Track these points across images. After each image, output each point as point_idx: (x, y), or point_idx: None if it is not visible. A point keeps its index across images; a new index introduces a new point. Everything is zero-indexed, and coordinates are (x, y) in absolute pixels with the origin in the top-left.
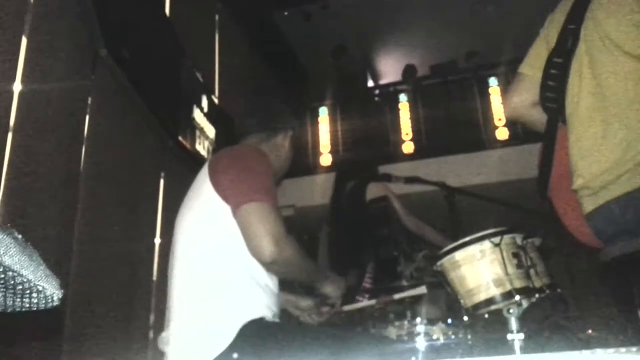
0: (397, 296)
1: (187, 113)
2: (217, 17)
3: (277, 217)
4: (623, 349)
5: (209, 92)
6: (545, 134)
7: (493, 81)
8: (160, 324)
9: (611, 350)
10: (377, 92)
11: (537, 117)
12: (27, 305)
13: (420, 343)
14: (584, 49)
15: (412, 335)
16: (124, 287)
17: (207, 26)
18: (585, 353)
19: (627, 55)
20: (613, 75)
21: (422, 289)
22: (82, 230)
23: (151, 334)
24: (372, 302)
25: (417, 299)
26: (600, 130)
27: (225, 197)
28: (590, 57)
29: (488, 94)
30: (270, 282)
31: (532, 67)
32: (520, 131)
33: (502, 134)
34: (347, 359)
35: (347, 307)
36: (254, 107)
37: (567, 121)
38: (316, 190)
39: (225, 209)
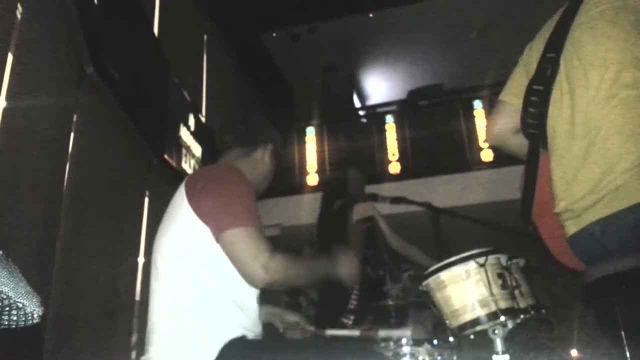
0: (381, 333)
1: (173, 131)
2: (205, 37)
3: (262, 240)
4: None
5: (196, 111)
6: (527, 160)
7: (478, 104)
8: (142, 345)
9: None
10: (363, 113)
11: (519, 144)
12: (6, 323)
13: None
14: (564, 75)
15: (398, 356)
16: (106, 307)
17: (196, 45)
18: None
19: (606, 82)
20: (593, 101)
21: (406, 331)
22: (64, 249)
23: (133, 355)
24: (356, 332)
25: (403, 320)
26: (580, 155)
27: (206, 221)
28: (570, 83)
29: (473, 117)
30: (250, 303)
31: (513, 95)
32: (504, 153)
33: (486, 155)
34: None
35: (329, 332)
36: (232, 123)
37: (549, 146)
38: (303, 210)
39: (205, 231)
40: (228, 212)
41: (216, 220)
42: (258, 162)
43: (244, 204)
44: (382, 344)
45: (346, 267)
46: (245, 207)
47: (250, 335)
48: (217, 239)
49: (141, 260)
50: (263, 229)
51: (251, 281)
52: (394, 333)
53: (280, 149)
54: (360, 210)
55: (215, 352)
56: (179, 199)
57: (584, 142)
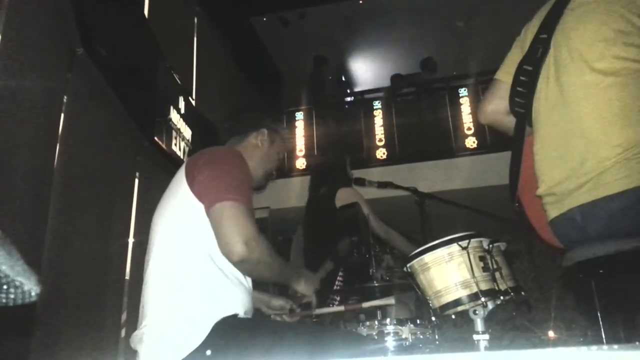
0: (365, 305)
1: (163, 114)
2: (195, 20)
3: (250, 217)
4: (584, 347)
5: (186, 94)
6: (513, 138)
7: (463, 91)
8: (132, 323)
9: (573, 348)
10: (351, 98)
11: (511, 123)
12: (4, 301)
13: (390, 342)
14: (553, 58)
15: (382, 334)
16: (96, 286)
17: (186, 29)
18: (548, 351)
19: (592, 68)
20: (577, 86)
21: (390, 300)
22: (55, 229)
23: (123, 333)
24: (341, 308)
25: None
26: (563, 138)
27: (199, 196)
28: (557, 66)
29: (459, 104)
30: (243, 279)
31: (508, 73)
32: (487, 140)
33: (470, 142)
34: (321, 355)
35: (317, 311)
36: (227, 114)
37: (533, 127)
38: (291, 193)
39: (199, 207)
40: (220, 186)
41: (208, 194)
42: (253, 147)
43: (238, 180)
44: (367, 323)
45: (306, 285)
46: (239, 183)
47: (242, 311)
48: (207, 212)
49: (131, 240)
50: (253, 209)
51: (229, 253)
52: (378, 302)
53: (278, 133)
54: (343, 196)
55: (208, 328)
56: (178, 178)
57: (566, 125)
